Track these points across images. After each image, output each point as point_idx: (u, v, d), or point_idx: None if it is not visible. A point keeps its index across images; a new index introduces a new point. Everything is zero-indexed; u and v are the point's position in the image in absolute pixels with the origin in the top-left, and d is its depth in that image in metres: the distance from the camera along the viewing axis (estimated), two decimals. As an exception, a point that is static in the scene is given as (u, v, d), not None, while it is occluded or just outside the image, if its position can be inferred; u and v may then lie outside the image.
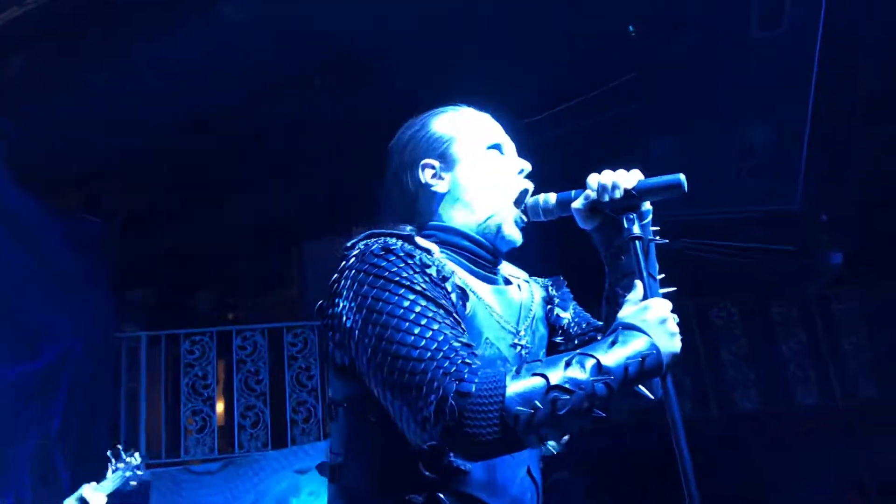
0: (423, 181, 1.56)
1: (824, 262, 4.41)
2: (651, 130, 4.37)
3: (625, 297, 1.54)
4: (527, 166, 1.62)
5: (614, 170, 1.51)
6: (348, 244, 1.47)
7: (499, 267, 1.61)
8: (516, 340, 1.52)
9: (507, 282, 1.62)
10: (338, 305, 1.39)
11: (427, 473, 1.34)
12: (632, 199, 1.47)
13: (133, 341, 7.30)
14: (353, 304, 1.36)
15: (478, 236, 1.55)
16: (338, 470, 1.44)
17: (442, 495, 1.34)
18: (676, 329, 1.37)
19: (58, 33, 5.43)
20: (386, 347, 1.30)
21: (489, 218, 1.55)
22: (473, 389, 1.23)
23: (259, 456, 6.79)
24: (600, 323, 1.68)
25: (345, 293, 1.38)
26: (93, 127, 6.17)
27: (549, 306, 1.69)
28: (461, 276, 1.48)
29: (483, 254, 1.56)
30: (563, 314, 1.70)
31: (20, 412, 5.54)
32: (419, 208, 1.58)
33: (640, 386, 1.33)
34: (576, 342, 1.66)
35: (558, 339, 1.67)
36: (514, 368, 1.28)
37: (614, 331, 1.35)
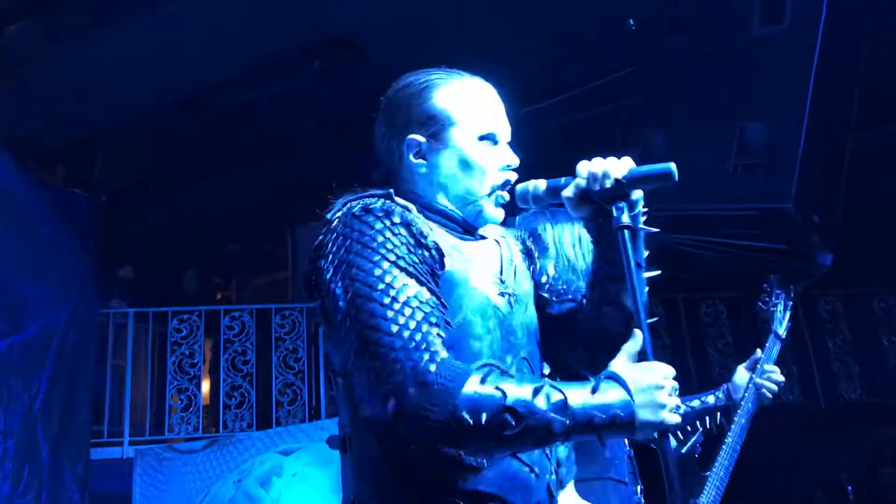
0: (405, 157, 1.54)
1: (814, 263, 4.42)
2: (649, 124, 4.35)
3: (612, 283, 1.55)
4: (513, 161, 1.59)
5: (606, 158, 1.50)
6: (331, 206, 1.48)
7: (474, 233, 1.62)
8: (502, 289, 1.53)
9: (483, 238, 1.63)
10: (320, 269, 1.42)
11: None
12: (622, 187, 1.45)
13: (120, 317, 7.27)
14: (331, 266, 1.39)
15: (455, 213, 1.56)
16: (348, 440, 1.46)
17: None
18: (667, 400, 1.31)
19: (50, 5, 5.37)
20: (356, 316, 1.32)
21: (467, 205, 1.56)
22: (431, 380, 1.25)
23: (243, 436, 6.79)
24: (582, 287, 1.67)
25: (327, 255, 1.41)
26: (83, 99, 6.12)
27: (529, 260, 1.70)
28: (439, 233, 1.49)
29: (458, 228, 1.56)
30: (545, 265, 1.70)
31: (2, 386, 5.50)
32: (401, 174, 1.57)
33: (604, 438, 1.30)
34: (564, 307, 1.66)
35: (544, 294, 1.67)
36: (483, 372, 1.28)
37: (602, 377, 1.32)
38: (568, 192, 1.51)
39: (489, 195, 1.56)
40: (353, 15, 5.65)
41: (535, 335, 1.60)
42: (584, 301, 1.64)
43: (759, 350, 2.76)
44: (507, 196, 1.59)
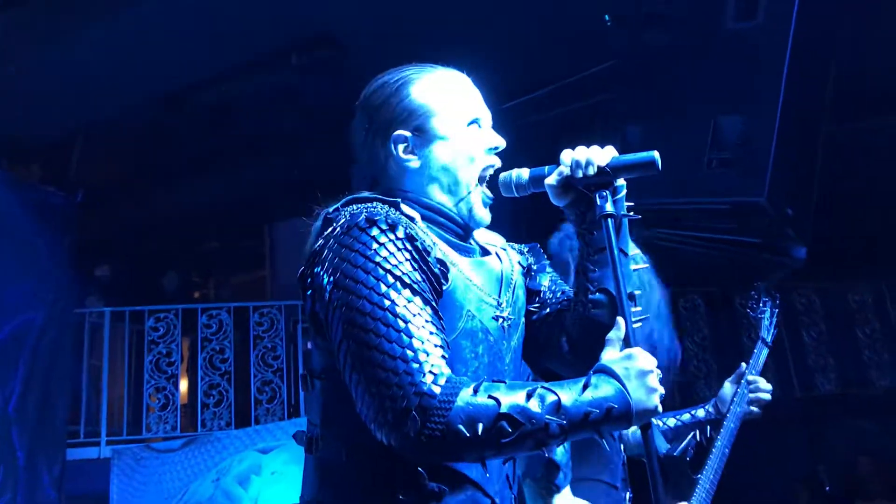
0: (395, 154, 1.52)
1: (788, 257, 4.46)
2: (626, 118, 4.37)
3: (595, 271, 1.54)
4: (500, 143, 1.58)
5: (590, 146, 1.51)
6: (331, 209, 1.45)
7: (472, 237, 1.60)
8: (498, 312, 1.51)
9: (485, 252, 1.61)
10: (318, 276, 1.37)
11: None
12: (605, 175, 1.47)
13: (96, 317, 7.21)
14: (332, 278, 1.34)
15: (453, 214, 1.54)
16: (315, 442, 1.44)
17: (422, 468, 1.35)
18: (657, 385, 1.33)
19: (28, 1, 5.31)
20: (359, 335, 1.29)
21: (461, 200, 1.53)
22: (435, 403, 1.24)
23: (222, 435, 6.75)
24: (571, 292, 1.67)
25: (326, 265, 1.36)
26: (60, 97, 6.05)
27: (526, 273, 1.68)
28: (442, 247, 1.47)
29: (457, 230, 1.55)
30: (541, 281, 1.68)
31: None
32: (389, 175, 1.55)
33: (603, 432, 1.31)
34: (548, 310, 1.65)
35: (534, 308, 1.65)
36: (472, 384, 1.28)
37: (592, 372, 1.33)
38: (551, 180, 1.52)
39: (475, 191, 1.55)
40: (335, 13, 5.63)
41: (520, 359, 1.60)
42: (571, 299, 1.64)
43: (743, 364, 2.78)
44: (490, 196, 1.58)
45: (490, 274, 1.55)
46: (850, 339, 8.20)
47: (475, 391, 1.26)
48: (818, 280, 8.02)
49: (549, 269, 1.72)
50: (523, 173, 1.56)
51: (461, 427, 1.23)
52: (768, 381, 2.77)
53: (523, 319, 1.62)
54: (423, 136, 1.52)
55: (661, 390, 1.34)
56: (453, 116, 1.54)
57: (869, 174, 6.97)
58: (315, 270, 1.38)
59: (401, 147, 1.52)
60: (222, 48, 5.85)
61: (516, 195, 1.58)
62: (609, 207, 1.46)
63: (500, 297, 1.54)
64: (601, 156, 1.48)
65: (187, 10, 5.33)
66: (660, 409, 1.34)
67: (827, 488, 7.27)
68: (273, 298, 8.06)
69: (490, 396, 1.25)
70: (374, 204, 1.43)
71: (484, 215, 1.56)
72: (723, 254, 4.23)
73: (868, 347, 8.18)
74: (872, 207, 7.18)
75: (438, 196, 1.53)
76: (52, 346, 6.20)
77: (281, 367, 7.21)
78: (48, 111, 6.22)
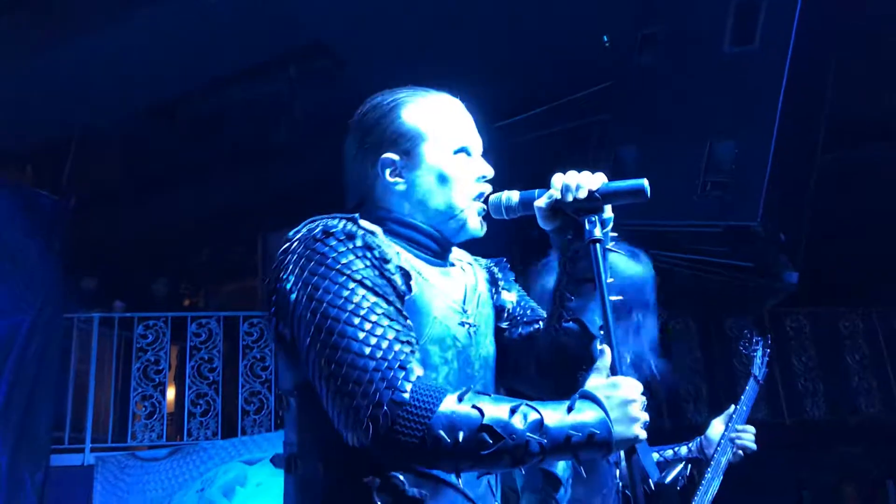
0: (382, 176, 1.53)
1: (780, 281, 4.46)
2: (620, 140, 4.38)
3: (573, 300, 1.55)
4: (489, 172, 1.58)
5: (581, 172, 1.50)
6: (291, 232, 1.46)
7: (448, 255, 1.61)
8: (464, 319, 1.52)
9: (451, 264, 1.62)
10: (282, 290, 1.38)
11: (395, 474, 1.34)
12: (595, 201, 1.46)
13: (85, 322, 7.16)
14: (295, 289, 1.36)
15: (432, 230, 1.54)
16: (294, 460, 1.43)
17: (401, 475, 1.34)
18: (640, 414, 1.34)
19: (19, 6, 5.31)
20: (325, 339, 1.30)
21: (449, 219, 1.54)
22: (407, 398, 1.24)
23: (208, 445, 6.71)
24: (544, 314, 1.67)
25: (288, 277, 1.38)
26: (54, 102, 6.05)
27: (493, 288, 1.69)
28: (405, 257, 1.47)
29: (433, 246, 1.55)
30: (507, 296, 1.69)
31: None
32: (375, 195, 1.55)
33: (581, 457, 1.31)
34: (520, 330, 1.66)
35: (504, 325, 1.66)
36: (458, 391, 1.28)
37: (577, 396, 1.33)
38: (540, 203, 1.52)
39: (468, 207, 1.55)
40: (329, 24, 5.65)
41: (492, 367, 1.60)
42: (543, 323, 1.64)
43: (733, 405, 2.78)
44: (485, 208, 1.57)
45: (455, 283, 1.56)
46: (840, 365, 8.21)
47: (460, 399, 1.27)
48: (809, 305, 8.04)
49: (516, 287, 1.74)
50: (513, 196, 1.56)
51: (441, 433, 1.23)
52: (757, 403, 2.77)
53: (492, 329, 1.62)
54: (410, 160, 1.53)
55: (645, 418, 1.35)
56: (441, 143, 1.54)
57: (862, 201, 7.01)
58: (277, 287, 1.40)
59: (388, 170, 1.53)
60: (217, 58, 5.86)
61: (505, 217, 1.58)
62: (598, 233, 1.45)
63: (465, 304, 1.54)
64: (592, 181, 1.47)
65: (182, 19, 5.34)
66: (641, 437, 1.33)
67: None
68: (264, 308, 8.02)
69: (474, 406, 1.26)
70: (333, 216, 1.45)
71: (478, 226, 1.56)
72: (715, 277, 4.23)
73: (857, 374, 8.20)
74: (865, 234, 7.21)
75: (421, 217, 1.54)
76: (39, 351, 6.15)
77: (269, 378, 7.17)
78: (43, 116, 6.21)
